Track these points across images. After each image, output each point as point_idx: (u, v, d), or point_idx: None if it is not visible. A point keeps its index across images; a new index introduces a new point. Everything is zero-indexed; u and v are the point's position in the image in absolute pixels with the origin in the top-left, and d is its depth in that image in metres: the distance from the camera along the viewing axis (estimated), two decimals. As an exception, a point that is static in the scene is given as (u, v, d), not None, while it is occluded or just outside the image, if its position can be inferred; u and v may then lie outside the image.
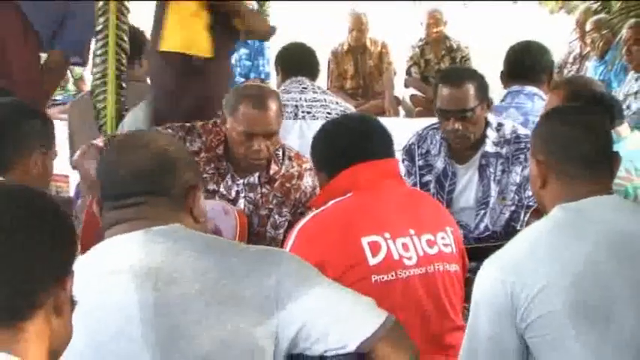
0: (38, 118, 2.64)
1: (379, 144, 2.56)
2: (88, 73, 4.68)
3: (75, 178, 3.42)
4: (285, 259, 1.80)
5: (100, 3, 4.15)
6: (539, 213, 2.29)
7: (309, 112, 4.17)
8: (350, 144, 2.54)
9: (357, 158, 2.50)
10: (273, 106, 3.01)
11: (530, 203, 3.19)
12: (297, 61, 4.48)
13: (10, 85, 3.93)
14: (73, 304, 1.37)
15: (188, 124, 3.22)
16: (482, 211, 3.35)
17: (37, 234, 1.30)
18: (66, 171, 3.78)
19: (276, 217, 3.15)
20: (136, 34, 4.39)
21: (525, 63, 4.11)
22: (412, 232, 2.44)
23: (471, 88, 3.27)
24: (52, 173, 2.75)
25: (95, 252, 1.81)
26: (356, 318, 1.77)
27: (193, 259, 1.73)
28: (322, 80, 5.93)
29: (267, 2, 7.49)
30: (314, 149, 2.65)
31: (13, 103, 2.74)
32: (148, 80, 4.37)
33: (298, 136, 3.92)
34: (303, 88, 4.27)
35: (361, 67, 7.34)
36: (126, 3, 4.19)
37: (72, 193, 3.84)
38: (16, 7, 4.22)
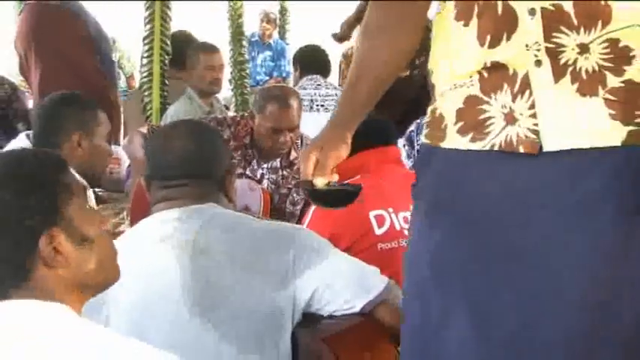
0: (78, 106, 2.63)
1: (382, 133, 2.55)
2: (137, 72, 4.64)
3: (126, 160, 3.41)
4: (302, 235, 1.78)
5: (147, 12, 4.13)
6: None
7: (322, 106, 4.16)
8: (357, 134, 2.53)
9: (364, 146, 2.49)
10: (294, 104, 3.00)
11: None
12: (312, 61, 4.47)
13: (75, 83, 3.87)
14: (83, 240, 1.26)
15: (220, 116, 3.22)
16: (471, 190, 3.34)
17: (18, 194, 1.21)
18: (118, 154, 3.77)
19: (294, 195, 3.15)
20: (182, 42, 4.33)
21: None
22: (412, 207, 2.42)
23: None
24: (107, 151, 2.72)
25: (143, 224, 1.80)
26: (362, 283, 1.75)
27: (224, 234, 1.72)
28: (334, 78, 5.91)
29: (288, 9, 7.47)
30: None
31: (59, 95, 2.71)
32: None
33: (313, 126, 3.90)
34: (317, 84, 4.26)
35: (367, 66, 7.29)
36: (168, 12, 4.17)
37: (124, 173, 3.83)
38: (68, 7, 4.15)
